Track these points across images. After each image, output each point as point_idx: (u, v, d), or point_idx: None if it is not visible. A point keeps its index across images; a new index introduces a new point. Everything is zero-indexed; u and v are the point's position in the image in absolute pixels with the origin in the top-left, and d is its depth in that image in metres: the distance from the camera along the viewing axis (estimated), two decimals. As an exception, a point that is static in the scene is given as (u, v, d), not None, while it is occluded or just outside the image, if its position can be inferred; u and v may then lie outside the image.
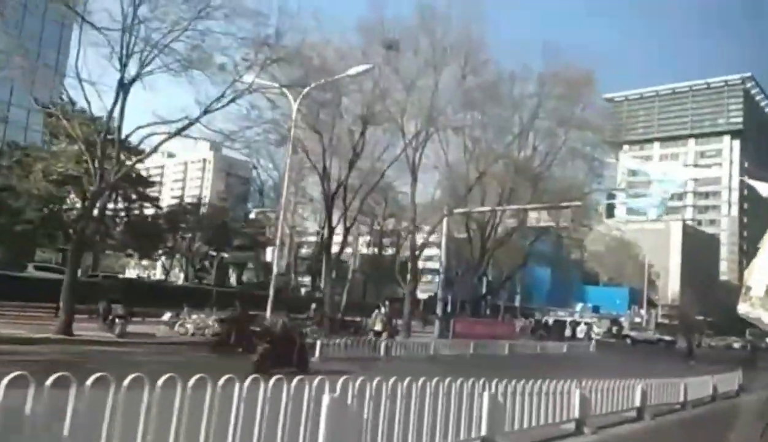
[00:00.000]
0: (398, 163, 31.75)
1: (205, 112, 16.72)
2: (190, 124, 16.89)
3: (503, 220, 34.42)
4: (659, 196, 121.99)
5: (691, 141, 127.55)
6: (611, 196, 29.91)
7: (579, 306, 75.90)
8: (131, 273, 76.20)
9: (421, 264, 49.85)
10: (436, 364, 19.85)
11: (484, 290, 41.26)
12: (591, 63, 38.01)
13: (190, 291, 31.58)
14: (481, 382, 7.31)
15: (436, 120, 28.74)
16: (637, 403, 11.84)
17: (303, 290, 46.36)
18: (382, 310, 23.13)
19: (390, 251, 54.21)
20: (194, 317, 20.33)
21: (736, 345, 75.92)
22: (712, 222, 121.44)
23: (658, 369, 22.31)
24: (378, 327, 22.72)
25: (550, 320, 55.88)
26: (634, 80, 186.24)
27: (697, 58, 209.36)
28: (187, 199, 78.13)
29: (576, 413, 9.42)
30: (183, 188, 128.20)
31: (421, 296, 54.58)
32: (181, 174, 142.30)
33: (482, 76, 30.32)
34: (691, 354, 29.04)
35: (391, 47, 27.75)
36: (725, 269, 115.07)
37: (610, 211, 29.48)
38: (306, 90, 21.54)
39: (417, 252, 31.79)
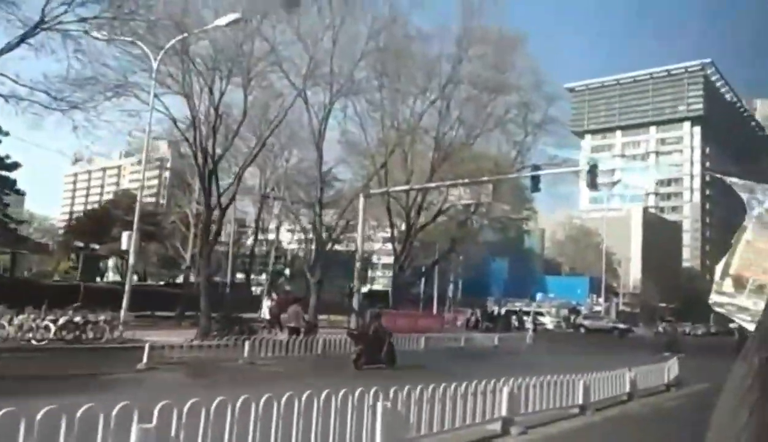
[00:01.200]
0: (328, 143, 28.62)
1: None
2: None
3: (427, 202, 31.32)
4: (622, 184, 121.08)
5: (653, 128, 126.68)
6: (536, 168, 26.51)
7: (538, 296, 73.82)
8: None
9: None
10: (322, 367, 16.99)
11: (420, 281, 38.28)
12: (551, 54, 34.75)
13: (53, 288, 27.66)
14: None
15: (342, 86, 25.47)
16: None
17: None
18: (269, 302, 20.35)
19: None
20: (21, 317, 16.64)
21: (699, 331, 74.77)
22: (675, 209, 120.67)
23: (586, 361, 19.43)
24: (292, 323, 20.62)
25: (503, 311, 53.60)
26: (595, 70, 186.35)
27: (657, 46, 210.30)
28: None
29: (503, 412, 9.07)
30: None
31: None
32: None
33: (392, 36, 26.91)
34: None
35: (292, 4, 24.36)
36: (688, 256, 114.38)
37: (536, 186, 26.20)
38: (172, 43, 18.10)
39: (335, 238, 28.49)
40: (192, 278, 31.73)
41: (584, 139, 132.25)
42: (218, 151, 21.32)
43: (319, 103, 26.08)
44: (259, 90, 23.14)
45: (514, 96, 31.37)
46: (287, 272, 61.06)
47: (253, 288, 48.86)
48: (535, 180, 25.38)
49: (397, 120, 30.18)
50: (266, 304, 21.95)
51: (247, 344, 16.73)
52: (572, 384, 11.43)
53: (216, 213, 21.24)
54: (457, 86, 30.33)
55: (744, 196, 2.71)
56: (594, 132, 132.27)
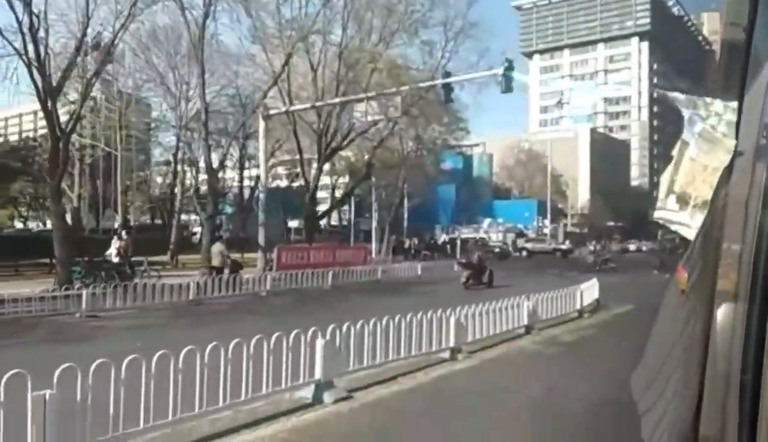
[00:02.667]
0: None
1: None
2: None
3: (339, 123, 28.12)
4: (570, 105, 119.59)
5: (601, 46, 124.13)
6: (447, 74, 23.50)
7: (486, 222, 72.39)
8: None
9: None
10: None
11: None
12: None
13: None
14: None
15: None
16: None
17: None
18: (119, 242, 17.79)
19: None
20: None
21: (644, 248, 75.16)
22: (623, 128, 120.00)
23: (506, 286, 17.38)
24: (216, 262, 19.83)
25: (446, 238, 52.00)
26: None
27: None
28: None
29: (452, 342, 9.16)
30: None
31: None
32: None
33: None
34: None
35: None
36: (637, 174, 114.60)
37: (448, 95, 23.33)
38: None
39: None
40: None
41: (532, 61, 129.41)
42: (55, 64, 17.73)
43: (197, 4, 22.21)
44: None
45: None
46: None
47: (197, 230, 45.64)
48: (447, 89, 22.53)
49: (296, 24, 26.24)
50: (114, 245, 19.10)
51: (84, 294, 13.85)
52: (443, 321, 9.07)
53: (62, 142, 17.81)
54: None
55: (686, 112, 2.97)
56: (542, 52, 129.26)
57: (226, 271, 19.31)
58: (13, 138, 60.47)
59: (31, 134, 60.71)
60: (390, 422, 6.44)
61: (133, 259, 21.42)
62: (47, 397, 4.45)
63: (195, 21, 22.26)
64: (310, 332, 6.88)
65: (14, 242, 24.66)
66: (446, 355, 9.25)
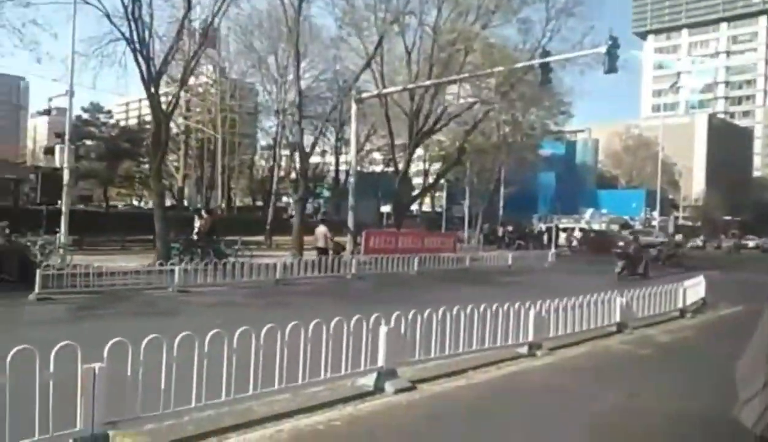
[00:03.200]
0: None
1: None
2: None
3: (434, 107, 27.42)
4: (688, 88, 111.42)
5: (723, 25, 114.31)
6: (546, 53, 22.12)
7: (588, 212, 69.16)
8: None
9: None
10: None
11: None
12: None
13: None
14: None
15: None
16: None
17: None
18: (200, 221, 18.57)
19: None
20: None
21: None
22: (746, 114, 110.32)
23: (585, 283, 16.38)
24: (320, 244, 20.86)
25: (543, 227, 50.31)
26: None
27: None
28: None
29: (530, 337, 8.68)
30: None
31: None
32: None
33: None
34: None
35: None
36: (759, 164, 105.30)
37: (546, 76, 21.95)
38: None
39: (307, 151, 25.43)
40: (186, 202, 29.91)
41: (646, 41, 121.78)
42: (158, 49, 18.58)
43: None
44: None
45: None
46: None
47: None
48: (545, 69, 21.34)
49: (390, 4, 25.65)
50: (197, 223, 19.76)
51: (176, 270, 14.47)
52: (522, 313, 8.52)
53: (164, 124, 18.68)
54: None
55: None
56: (657, 32, 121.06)
57: (332, 252, 20.46)
58: (126, 122, 64.87)
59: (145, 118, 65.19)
60: (451, 417, 6.07)
61: (228, 238, 22.16)
62: (96, 371, 4.48)
63: (291, 4, 22.53)
64: (373, 318, 6.64)
65: (123, 219, 26.32)
66: (524, 350, 8.71)
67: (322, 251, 20.52)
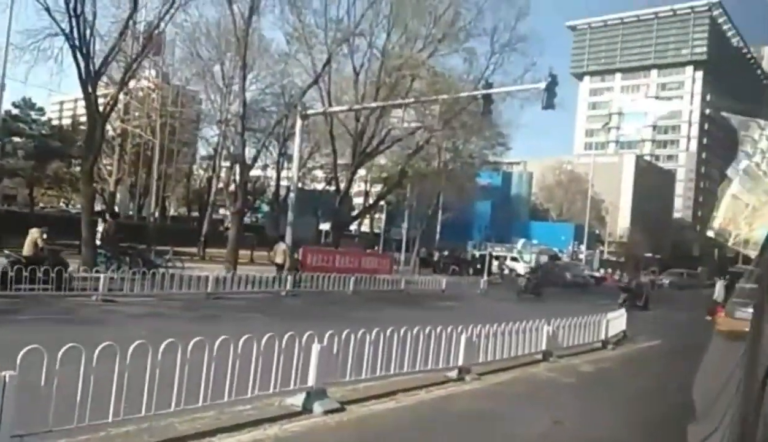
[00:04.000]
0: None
1: None
2: None
3: (378, 129, 27.72)
4: (618, 128, 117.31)
5: (654, 72, 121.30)
6: (488, 85, 22.96)
7: (520, 242, 71.08)
8: None
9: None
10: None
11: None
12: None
13: None
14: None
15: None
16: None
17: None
18: (103, 224, 18.15)
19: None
20: None
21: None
22: (670, 157, 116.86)
23: (527, 311, 16.77)
24: (279, 260, 21.25)
25: (477, 254, 51.20)
26: (599, 6, 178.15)
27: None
28: None
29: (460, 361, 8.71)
30: None
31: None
32: None
33: None
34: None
35: None
36: (680, 206, 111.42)
37: (487, 107, 22.73)
38: None
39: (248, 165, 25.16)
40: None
41: (582, 81, 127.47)
42: (99, 49, 17.97)
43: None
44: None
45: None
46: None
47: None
48: (487, 100, 22.01)
49: (341, 24, 25.97)
50: (100, 227, 19.11)
51: (102, 277, 13.88)
52: (453, 338, 8.62)
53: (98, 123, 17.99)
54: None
55: (740, 132, 3.06)
56: (593, 74, 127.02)
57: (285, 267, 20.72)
58: (59, 122, 62.19)
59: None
60: (379, 440, 6.05)
61: (159, 248, 21.49)
62: (6, 379, 4.22)
63: (241, 14, 22.35)
64: (305, 336, 6.56)
65: (49, 221, 24.88)
66: (454, 374, 8.80)
67: (280, 268, 20.86)
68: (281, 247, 21.71)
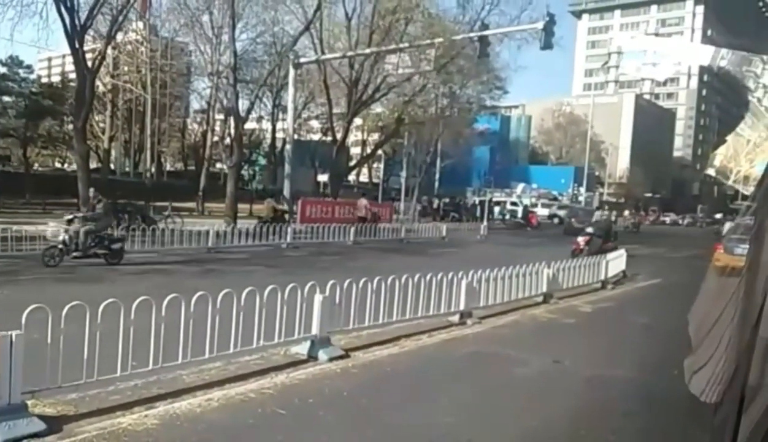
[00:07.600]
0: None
1: None
2: None
3: (373, 76, 27.21)
4: (617, 68, 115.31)
5: (654, 7, 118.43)
6: (484, 26, 22.45)
7: (519, 187, 71.02)
8: None
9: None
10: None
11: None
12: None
13: None
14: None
15: None
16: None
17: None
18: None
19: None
20: None
21: (684, 222, 73.03)
22: (670, 96, 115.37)
23: (524, 253, 16.85)
24: (361, 214, 24.19)
25: (476, 201, 51.12)
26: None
27: None
28: None
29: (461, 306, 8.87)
30: None
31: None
32: None
33: None
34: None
35: None
36: (680, 145, 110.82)
37: (483, 49, 22.19)
38: None
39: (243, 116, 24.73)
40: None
41: (581, 19, 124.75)
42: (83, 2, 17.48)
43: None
44: None
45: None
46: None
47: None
48: (483, 42, 21.54)
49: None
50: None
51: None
52: (455, 284, 8.70)
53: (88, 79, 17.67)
54: None
55: (741, 66, 3.16)
56: (592, 12, 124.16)
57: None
58: (48, 79, 61.08)
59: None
60: (383, 383, 6.17)
61: (157, 204, 21.43)
62: (13, 338, 4.26)
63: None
64: (307, 287, 6.61)
65: (45, 181, 24.95)
66: (456, 319, 8.92)
67: (362, 220, 23.39)
68: (363, 202, 25.28)
